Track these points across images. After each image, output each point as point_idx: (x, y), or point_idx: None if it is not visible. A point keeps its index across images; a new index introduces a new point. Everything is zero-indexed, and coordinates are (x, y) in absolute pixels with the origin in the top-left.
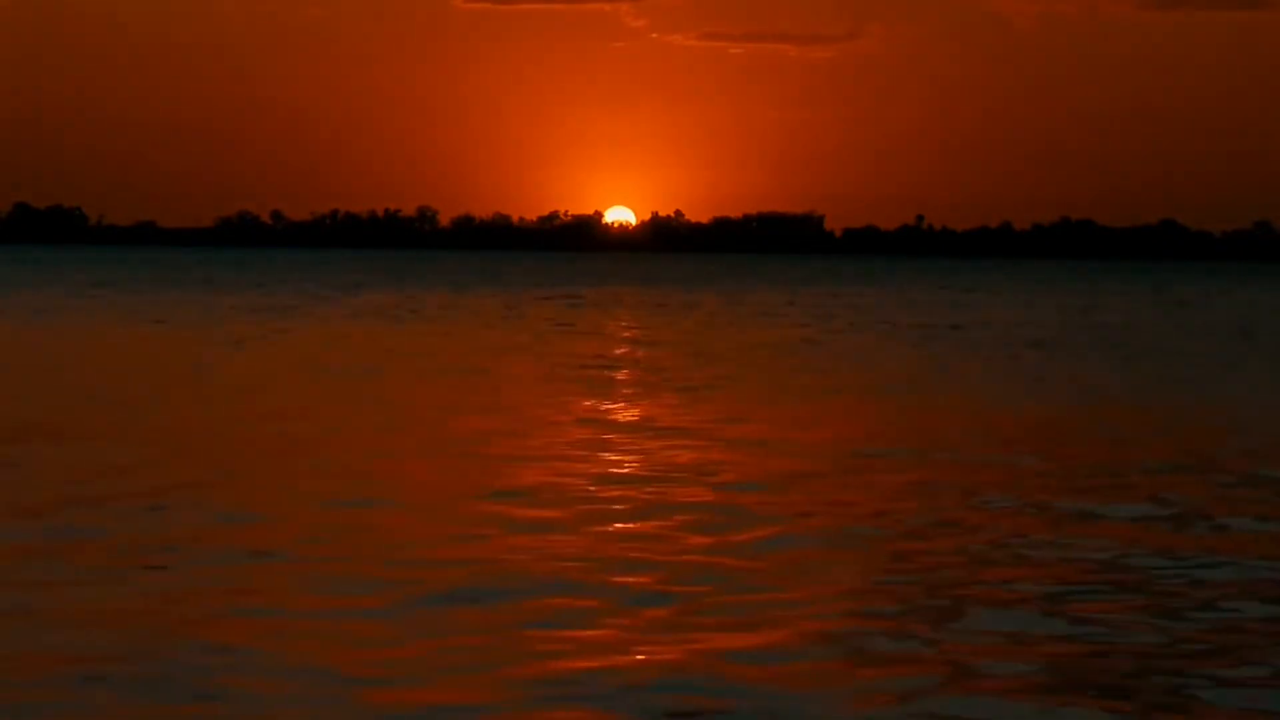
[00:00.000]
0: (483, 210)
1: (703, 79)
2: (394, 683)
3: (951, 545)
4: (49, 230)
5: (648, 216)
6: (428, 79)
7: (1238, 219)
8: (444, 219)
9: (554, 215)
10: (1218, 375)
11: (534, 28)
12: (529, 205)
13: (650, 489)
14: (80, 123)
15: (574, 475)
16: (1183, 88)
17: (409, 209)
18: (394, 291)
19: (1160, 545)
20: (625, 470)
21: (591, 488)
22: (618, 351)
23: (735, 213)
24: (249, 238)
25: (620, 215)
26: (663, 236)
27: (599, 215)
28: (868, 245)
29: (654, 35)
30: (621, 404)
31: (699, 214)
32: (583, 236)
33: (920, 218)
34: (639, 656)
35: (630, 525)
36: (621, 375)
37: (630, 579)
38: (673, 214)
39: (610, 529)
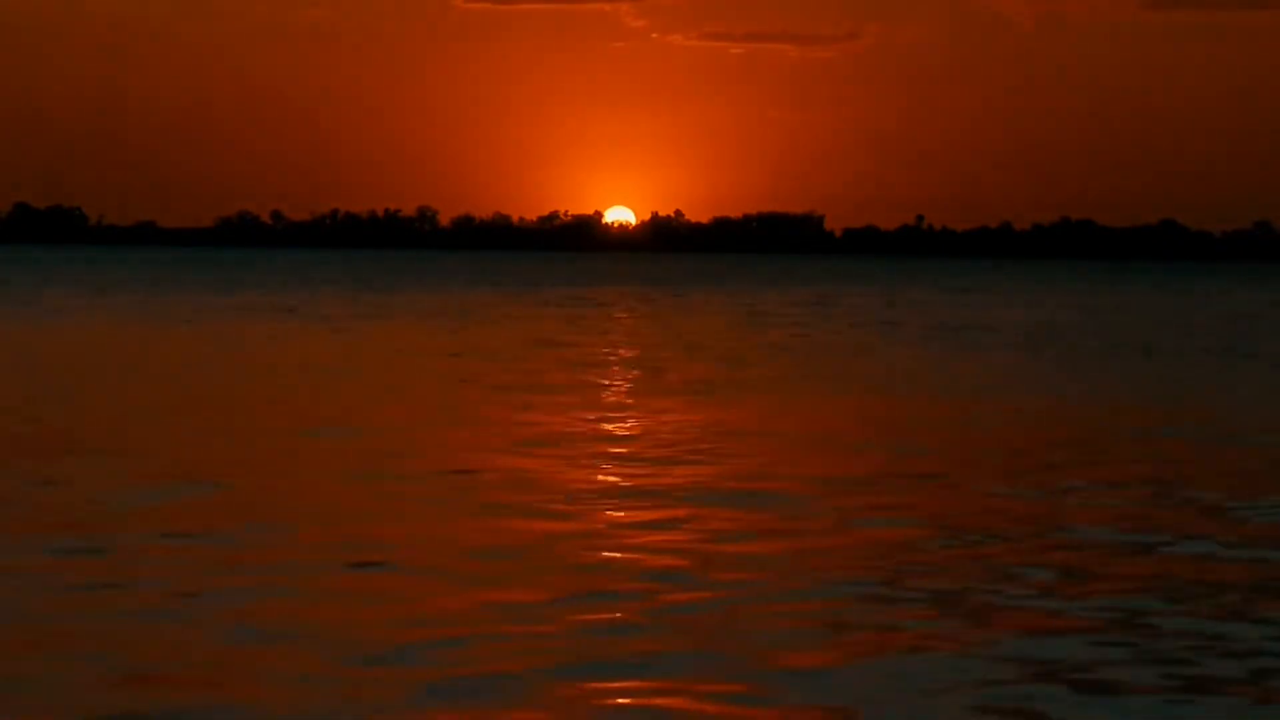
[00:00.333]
0: (483, 210)
1: (703, 79)
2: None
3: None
4: (49, 230)
5: (648, 216)
6: (428, 79)
7: (1238, 219)
8: (444, 219)
9: (554, 215)
10: (1215, 374)
11: (534, 28)
12: (529, 205)
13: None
14: (80, 123)
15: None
16: (1183, 88)
17: (409, 209)
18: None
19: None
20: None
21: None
22: (614, 352)
23: (735, 213)
24: (249, 238)
25: (620, 215)
26: (663, 236)
27: (599, 215)
28: (868, 245)
29: (654, 35)
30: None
31: (699, 214)
32: (583, 236)
33: (920, 218)
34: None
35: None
36: (624, 373)
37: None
38: (673, 214)
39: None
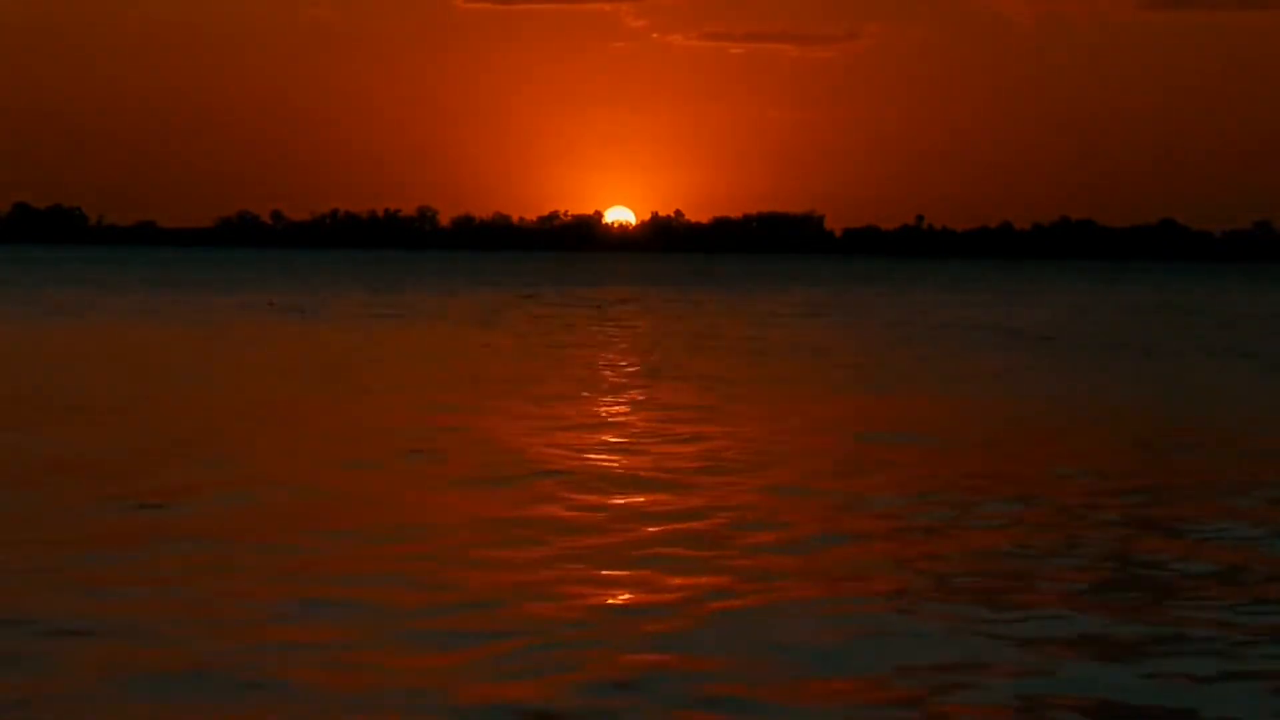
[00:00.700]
0: (483, 210)
1: (703, 79)
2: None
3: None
4: (49, 230)
5: (648, 216)
6: (428, 79)
7: (1238, 219)
8: (444, 219)
9: (554, 215)
10: (1214, 373)
11: (534, 28)
12: (529, 205)
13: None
14: (80, 123)
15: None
16: (1183, 88)
17: (409, 209)
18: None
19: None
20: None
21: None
22: (615, 355)
23: (735, 213)
24: (249, 238)
25: (620, 215)
26: (663, 236)
27: (599, 215)
28: (868, 245)
29: (654, 35)
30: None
31: (699, 214)
32: (583, 236)
33: (920, 218)
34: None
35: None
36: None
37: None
38: (673, 214)
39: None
